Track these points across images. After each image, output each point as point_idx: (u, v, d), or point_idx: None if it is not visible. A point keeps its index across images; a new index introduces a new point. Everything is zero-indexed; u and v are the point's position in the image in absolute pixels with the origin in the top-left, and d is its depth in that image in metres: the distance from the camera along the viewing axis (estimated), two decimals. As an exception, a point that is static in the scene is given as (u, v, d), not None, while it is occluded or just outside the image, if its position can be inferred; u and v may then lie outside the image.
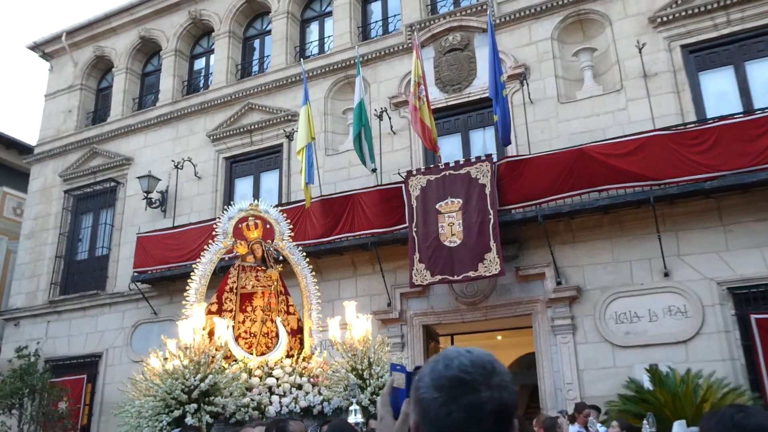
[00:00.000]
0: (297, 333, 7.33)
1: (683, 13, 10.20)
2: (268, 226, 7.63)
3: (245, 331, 7.01)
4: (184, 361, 5.94)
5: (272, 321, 7.14)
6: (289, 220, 7.74)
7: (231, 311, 7.06)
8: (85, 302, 13.97)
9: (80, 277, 14.53)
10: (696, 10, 10.11)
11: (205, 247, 7.35)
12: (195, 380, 5.76)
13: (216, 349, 6.10)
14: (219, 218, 7.65)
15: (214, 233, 7.44)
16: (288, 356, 6.97)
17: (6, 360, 13.75)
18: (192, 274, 7.07)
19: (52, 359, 13.73)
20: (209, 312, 7.01)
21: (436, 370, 1.25)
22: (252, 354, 6.80)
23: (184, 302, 6.60)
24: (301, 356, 6.97)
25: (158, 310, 12.91)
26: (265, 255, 7.41)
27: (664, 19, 10.33)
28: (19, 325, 14.75)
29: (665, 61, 10.24)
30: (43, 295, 14.66)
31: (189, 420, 5.73)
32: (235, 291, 7.18)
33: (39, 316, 14.52)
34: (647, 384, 8.11)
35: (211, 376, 5.84)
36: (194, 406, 5.76)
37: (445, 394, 1.21)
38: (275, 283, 7.27)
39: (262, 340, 7.01)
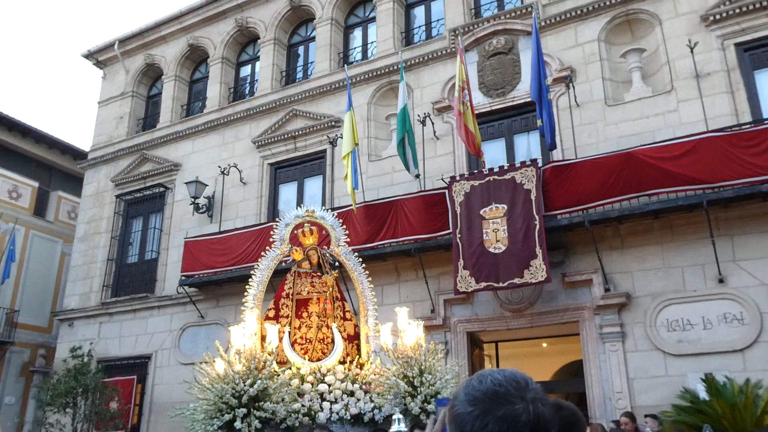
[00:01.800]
0: (354, 339, 7.32)
1: (737, 11, 9.85)
2: (324, 232, 7.67)
3: (301, 337, 7.06)
4: (236, 365, 6.02)
5: (328, 327, 7.14)
6: (345, 226, 7.74)
7: (287, 317, 7.12)
8: (135, 304, 14.34)
9: (130, 280, 14.93)
10: (751, 7, 9.75)
11: (263, 253, 7.42)
12: (245, 385, 5.84)
13: (268, 354, 6.15)
14: (275, 223, 7.72)
15: (271, 239, 7.49)
16: (344, 362, 6.97)
17: (61, 360, 14.23)
18: (250, 279, 7.16)
19: (104, 359, 14.13)
20: (266, 318, 7.09)
21: (469, 385, 1.26)
22: (309, 360, 6.83)
23: (242, 308, 6.69)
24: (354, 363, 6.96)
25: (205, 314, 13.16)
26: (321, 261, 7.43)
27: (717, 17, 10.01)
28: (73, 325, 15.23)
29: (718, 60, 9.91)
30: (95, 296, 15.11)
31: (238, 425, 5.80)
32: (291, 297, 7.23)
33: (92, 317, 14.97)
34: (703, 394, 7.84)
35: (260, 382, 5.89)
36: (244, 410, 5.83)
37: (480, 407, 1.21)
38: (331, 289, 7.27)
39: (317, 346, 7.03)
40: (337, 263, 7.67)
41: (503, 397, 1.21)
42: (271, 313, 7.18)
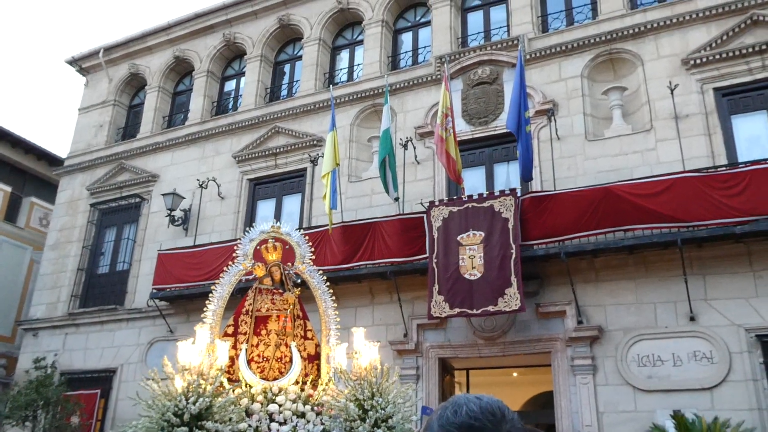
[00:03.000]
0: (314, 359, 7.16)
1: (717, 57, 10.11)
2: (287, 248, 7.56)
3: (258, 355, 6.89)
4: (179, 382, 5.85)
5: (287, 345, 6.99)
6: (311, 244, 7.66)
7: (245, 334, 6.97)
8: (104, 316, 14.03)
9: (100, 291, 14.62)
10: (731, 54, 10.02)
11: (225, 268, 7.31)
12: (187, 403, 5.64)
13: (217, 371, 5.99)
14: (241, 239, 7.61)
15: (234, 255, 7.39)
16: (301, 383, 6.83)
17: (23, 370, 13.82)
18: (210, 295, 7.04)
19: (67, 372, 13.76)
20: (225, 334, 6.94)
21: (444, 416, 1.21)
22: (265, 379, 6.68)
23: (200, 324, 6.54)
24: (309, 383, 6.82)
25: (174, 329, 12.91)
26: (284, 278, 7.32)
27: (698, 61, 10.25)
28: (37, 335, 14.84)
29: (697, 103, 10.14)
30: (63, 306, 14.77)
31: None
32: (250, 314, 7.10)
33: (58, 328, 14.60)
34: (672, 431, 7.85)
35: (201, 399, 5.70)
36: (185, 429, 5.63)
37: None
38: (291, 306, 7.14)
39: (275, 365, 6.87)
40: (300, 281, 7.58)
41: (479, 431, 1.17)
42: (230, 330, 7.04)
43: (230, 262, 7.30)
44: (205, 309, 6.86)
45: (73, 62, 17.60)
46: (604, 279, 9.81)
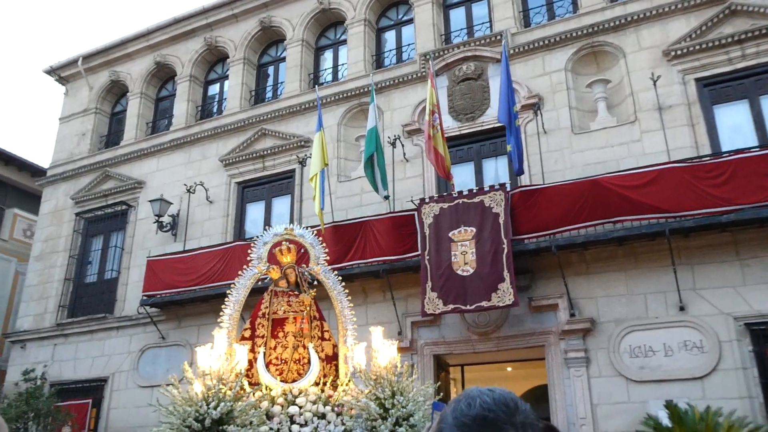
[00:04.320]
0: (332, 359, 7.13)
1: (697, 47, 10.23)
2: (302, 250, 7.55)
3: (276, 358, 6.87)
4: (200, 387, 5.85)
5: (304, 347, 6.96)
6: (324, 244, 7.64)
7: (263, 337, 6.96)
8: (93, 325, 13.90)
9: (88, 300, 14.48)
10: (710, 44, 10.15)
11: (239, 272, 7.28)
12: (208, 408, 5.66)
13: (235, 376, 5.99)
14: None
15: (248, 258, 7.35)
16: (320, 383, 6.81)
17: (12, 383, 13.64)
18: (225, 299, 7.02)
19: (57, 383, 13.61)
20: (242, 338, 6.92)
21: (458, 409, 1.23)
22: (284, 381, 6.67)
23: (218, 329, 6.51)
24: (328, 384, 6.82)
25: (166, 335, 12.83)
26: (299, 280, 7.31)
27: (678, 52, 10.37)
28: (25, 347, 14.66)
29: (679, 94, 10.25)
30: (50, 317, 14.60)
31: None
32: (267, 317, 7.08)
33: (46, 339, 14.44)
34: (665, 421, 7.92)
35: (222, 404, 5.72)
36: None
37: None
38: (308, 308, 7.12)
39: (293, 367, 6.84)
40: (315, 282, 7.57)
41: (492, 423, 1.19)
42: (247, 333, 7.03)
43: (244, 266, 7.27)
44: (221, 314, 6.84)
45: (51, 72, 17.39)
46: (594, 271, 9.89)
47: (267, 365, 6.77)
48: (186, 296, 12.10)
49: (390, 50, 13.81)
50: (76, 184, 15.82)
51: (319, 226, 10.58)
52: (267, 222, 12.79)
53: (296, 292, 7.19)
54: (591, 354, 9.54)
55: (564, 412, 9.43)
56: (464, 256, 9.72)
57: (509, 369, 13.34)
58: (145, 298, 12.64)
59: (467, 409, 1.22)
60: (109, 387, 13.19)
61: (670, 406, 8.02)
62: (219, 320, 6.78)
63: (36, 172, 18.85)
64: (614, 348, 9.38)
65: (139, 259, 13.76)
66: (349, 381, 6.77)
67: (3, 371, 15.25)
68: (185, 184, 13.64)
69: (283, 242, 7.30)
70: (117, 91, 16.99)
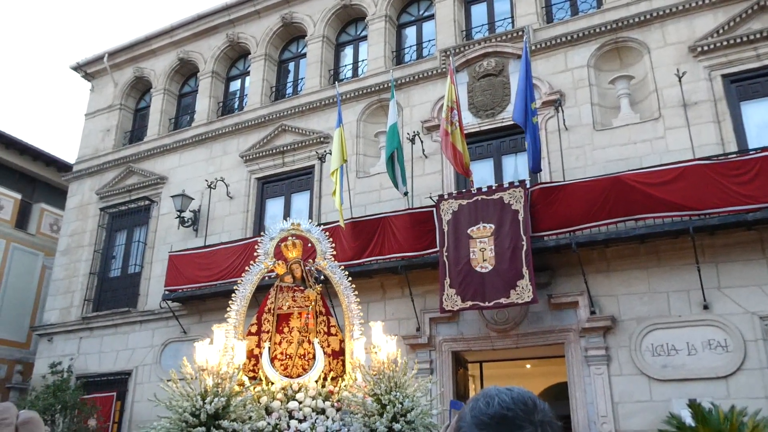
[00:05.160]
0: (339, 355, 7.12)
1: (725, 43, 10.04)
2: (309, 245, 7.55)
3: (281, 353, 6.89)
4: (195, 382, 5.88)
5: (309, 342, 6.96)
6: (331, 239, 7.63)
7: (268, 332, 6.99)
8: (117, 319, 14.12)
9: (113, 294, 14.72)
10: (738, 40, 9.95)
11: (247, 267, 7.31)
12: (203, 402, 5.66)
13: (234, 370, 6.02)
14: (258, 238, 7.60)
15: (255, 254, 7.38)
16: (325, 379, 6.81)
17: (40, 375, 13.93)
18: (233, 295, 7.07)
19: (83, 375, 13.87)
20: (249, 333, 6.96)
21: (476, 408, 1.23)
22: (288, 376, 6.69)
23: (217, 325, 6.54)
24: (329, 380, 6.82)
25: (188, 329, 12.98)
26: (305, 275, 7.31)
27: (705, 48, 10.18)
28: (52, 340, 14.96)
29: (705, 90, 10.07)
30: (76, 311, 14.87)
31: None
32: (272, 312, 7.11)
33: (72, 332, 14.72)
34: (689, 420, 7.82)
35: (217, 399, 5.71)
36: (203, 429, 5.66)
37: (488, 431, 1.19)
38: (313, 303, 7.12)
39: (298, 362, 6.86)
40: (322, 277, 7.56)
41: (511, 421, 1.19)
42: (254, 329, 7.06)
43: (252, 262, 7.30)
44: (228, 309, 6.88)
45: (78, 68, 17.69)
46: (615, 269, 9.78)
47: (272, 360, 6.78)
48: (207, 291, 12.24)
49: (410, 46, 13.78)
50: (101, 180, 16.08)
51: (338, 222, 10.61)
52: (286, 218, 12.82)
53: (302, 288, 7.18)
54: (612, 352, 9.44)
55: (584, 410, 9.36)
56: (483, 253, 9.67)
57: (528, 366, 13.27)
58: (167, 292, 12.81)
59: (486, 407, 1.22)
60: (133, 380, 13.40)
61: (693, 405, 7.91)
62: (226, 315, 6.82)
63: (62, 167, 19.21)
64: (636, 346, 9.28)
65: (161, 254, 13.94)
66: (354, 378, 6.75)
67: (31, 364, 15.60)
68: (206, 180, 13.78)
69: (290, 237, 7.28)
70: (141, 87, 17.21)
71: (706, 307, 9.01)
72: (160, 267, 13.73)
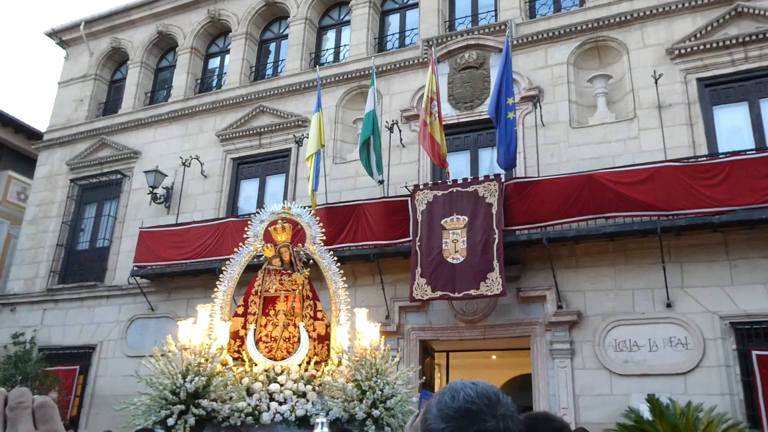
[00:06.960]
0: (325, 339, 7.17)
1: (702, 47, 10.22)
2: (298, 228, 7.55)
3: (266, 335, 6.92)
4: (176, 361, 5.89)
5: (295, 326, 7.01)
6: (322, 224, 7.64)
7: (254, 314, 7.00)
8: (83, 293, 13.93)
9: (79, 267, 14.50)
10: (714, 45, 10.13)
11: (235, 249, 7.29)
12: (183, 381, 5.69)
13: (217, 350, 6.04)
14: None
15: (245, 236, 7.35)
16: (308, 363, 6.84)
17: (1, 345, 13.70)
18: (220, 275, 7.04)
19: (46, 348, 13.66)
20: (235, 314, 6.99)
21: (442, 401, 1.27)
22: (273, 359, 6.72)
23: (202, 305, 6.51)
24: (311, 363, 6.86)
25: (155, 306, 12.87)
26: (293, 259, 7.31)
27: (682, 51, 10.35)
28: (15, 310, 14.70)
29: (680, 92, 10.25)
30: (41, 282, 14.62)
31: (171, 421, 5.65)
32: (259, 294, 7.13)
33: (36, 303, 14.48)
34: (646, 414, 8.01)
35: (197, 378, 5.73)
36: (182, 407, 5.67)
37: (453, 424, 1.23)
38: (300, 287, 7.15)
39: (283, 345, 6.89)
40: (311, 261, 7.57)
41: (475, 415, 1.23)
42: (240, 310, 7.09)
43: (240, 243, 7.28)
44: (215, 289, 6.87)
45: (52, 34, 17.24)
46: (584, 265, 9.96)
47: (257, 342, 6.82)
48: (177, 269, 12.13)
49: (393, 34, 13.73)
50: (72, 150, 15.76)
51: (311, 207, 10.57)
52: (261, 200, 12.80)
53: (289, 271, 7.21)
54: (576, 346, 9.64)
55: (547, 402, 9.55)
56: (455, 244, 9.76)
57: (494, 357, 13.45)
58: (135, 268, 12.67)
59: (451, 401, 1.26)
60: (97, 355, 13.26)
61: (651, 399, 8.11)
62: (213, 296, 6.82)
63: (32, 135, 18.73)
64: (599, 341, 9.48)
65: (131, 229, 13.76)
66: (339, 362, 6.80)
67: (-9, 333, 15.30)
68: (181, 157, 13.60)
69: (279, 221, 7.29)
70: (117, 59, 16.86)
71: (669, 306, 9.24)
72: (129, 242, 13.55)
